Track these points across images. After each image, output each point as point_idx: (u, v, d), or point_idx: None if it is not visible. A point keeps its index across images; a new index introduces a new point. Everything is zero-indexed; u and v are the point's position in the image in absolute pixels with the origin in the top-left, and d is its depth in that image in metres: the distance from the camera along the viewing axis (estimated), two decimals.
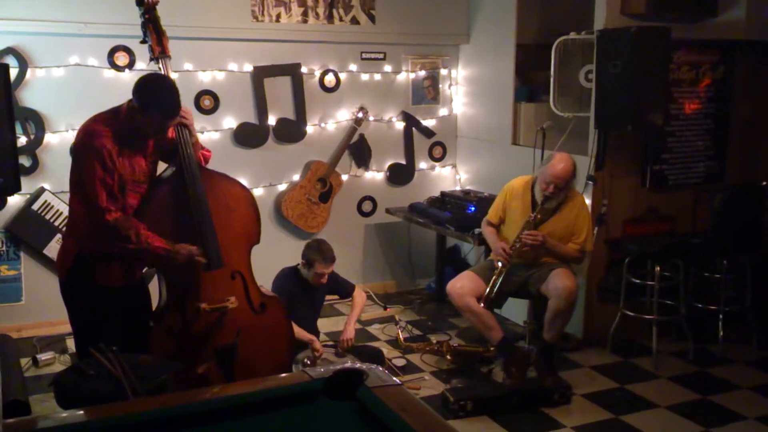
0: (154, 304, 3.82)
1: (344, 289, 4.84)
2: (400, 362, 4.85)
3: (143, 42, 3.75)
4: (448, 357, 4.85)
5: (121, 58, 5.34)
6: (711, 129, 5.43)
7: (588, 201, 4.88)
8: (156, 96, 3.39)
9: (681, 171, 5.37)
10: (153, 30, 3.69)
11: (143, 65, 5.34)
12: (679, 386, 4.60)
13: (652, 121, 4.85)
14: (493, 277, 4.51)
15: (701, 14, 5.13)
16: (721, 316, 5.05)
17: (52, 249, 5.21)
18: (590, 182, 5.04)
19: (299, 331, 4.39)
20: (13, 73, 4.91)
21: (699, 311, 5.17)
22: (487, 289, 4.51)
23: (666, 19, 4.91)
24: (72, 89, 5.24)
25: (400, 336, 5.17)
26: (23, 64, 5.08)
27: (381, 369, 2.58)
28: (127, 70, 5.35)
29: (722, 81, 5.39)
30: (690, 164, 5.40)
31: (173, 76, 3.69)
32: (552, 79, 5.28)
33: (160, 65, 3.69)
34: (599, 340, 5.14)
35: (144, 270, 3.77)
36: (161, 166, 3.77)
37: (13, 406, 3.77)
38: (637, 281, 5.01)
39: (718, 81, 5.38)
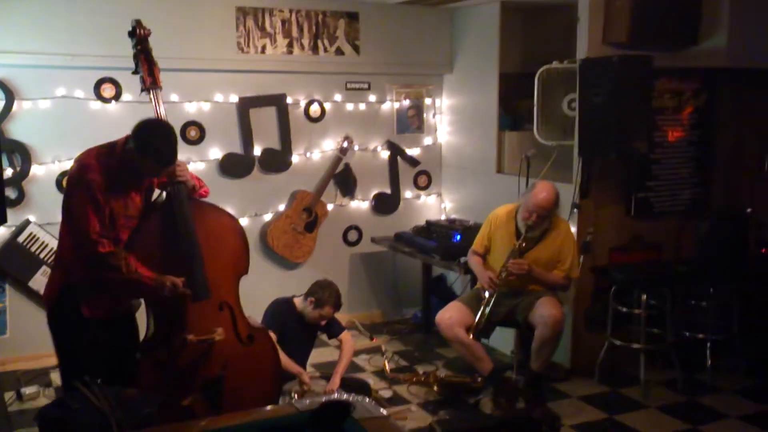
0: (142, 335, 3.79)
1: (335, 330, 4.75)
2: (387, 393, 4.83)
3: (135, 72, 3.75)
4: (435, 388, 4.83)
5: (108, 90, 5.35)
6: (695, 156, 5.48)
7: (573, 229, 4.90)
8: (153, 144, 3.36)
9: (666, 198, 5.41)
10: (145, 60, 3.70)
11: (130, 97, 5.35)
12: (668, 416, 4.59)
13: (636, 148, 4.89)
14: (481, 307, 4.50)
15: (683, 42, 5.18)
16: (708, 344, 5.06)
17: (38, 281, 5.17)
18: (575, 210, 5.07)
19: (288, 363, 4.37)
20: (0, 105, 4.90)
21: (686, 339, 5.17)
22: (476, 320, 4.50)
23: (648, 47, 4.95)
24: (59, 121, 5.24)
25: (387, 367, 5.15)
26: (10, 96, 5.07)
27: (368, 400, 2.57)
28: (113, 102, 5.36)
29: (705, 108, 5.45)
30: (675, 192, 5.44)
31: (163, 107, 3.69)
32: (535, 108, 5.32)
33: (151, 96, 3.70)
34: (587, 369, 5.13)
35: (131, 301, 3.74)
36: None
37: None
38: (624, 310, 5.01)
39: (701, 108, 5.44)
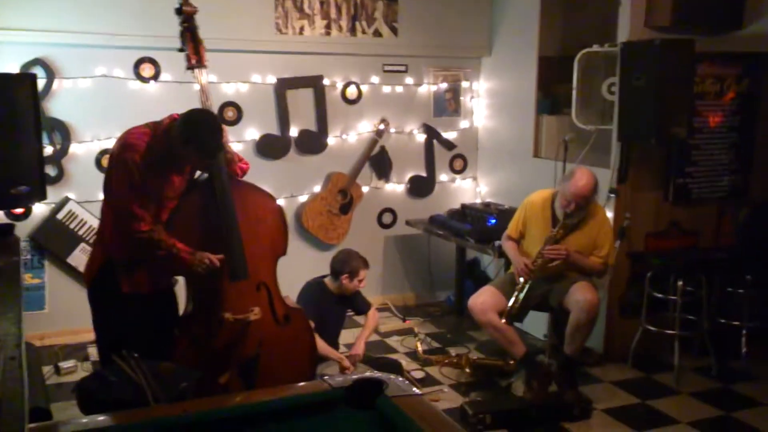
0: (181, 311, 3.85)
1: (362, 306, 4.85)
2: (419, 374, 4.85)
3: (181, 50, 3.76)
4: (467, 370, 4.84)
5: (147, 70, 5.40)
6: (735, 143, 5.38)
7: (610, 214, 4.85)
8: (198, 135, 3.38)
9: (705, 185, 5.32)
10: (191, 39, 3.72)
11: (169, 76, 5.40)
12: (701, 402, 4.55)
13: (676, 134, 4.82)
14: (515, 293, 4.47)
15: (726, 27, 5.09)
16: (744, 332, 4.99)
17: (76, 258, 5.27)
18: (612, 195, 5.02)
19: (326, 349, 4.41)
20: (41, 83, 4.98)
21: (722, 327, 5.10)
22: (509, 305, 4.48)
23: (690, 31, 4.88)
24: (98, 100, 5.30)
25: (419, 348, 5.16)
26: (50, 75, 5.15)
27: (401, 379, 2.58)
28: (152, 82, 5.41)
29: (747, 94, 5.34)
30: (714, 178, 5.35)
31: (207, 85, 3.72)
32: (574, 92, 5.26)
33: (196, 74, 3.73)
34: (620, 355, 5.10)
35: (171, 278, 3.79)
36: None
37: (34, 413, 3.78)
38: (660, 296, 4.96)
39: (743, 94, 5.33)
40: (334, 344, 4.68)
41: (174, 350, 3.60)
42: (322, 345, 4.31)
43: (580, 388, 4.51)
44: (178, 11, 3.72)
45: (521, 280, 4.48)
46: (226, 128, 5.60)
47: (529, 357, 4.55)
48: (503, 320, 4.47)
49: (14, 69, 5.01)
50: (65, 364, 4.86)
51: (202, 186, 3.70)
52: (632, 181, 5.06)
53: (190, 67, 3.74)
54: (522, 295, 4.45)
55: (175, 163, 3.54)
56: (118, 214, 3.47)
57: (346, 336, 4.99)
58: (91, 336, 4.95)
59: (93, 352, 5.04)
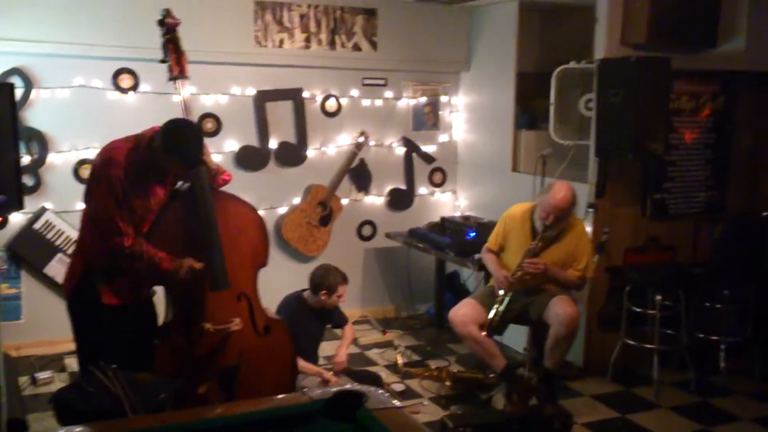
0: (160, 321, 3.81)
1: (339, 320, 4.84)
2: (399, 387, 4.84)
3: (163, 61, 3.77)
4: (448, 383, 4.83)
5: (126, 80, 5.38)
6: (711, 159, 5.45)
7: (588, 228, 4.89)
8: (180, 144, 3.39)
9: (682, 200, 5.38)
10: (173, 50, 3.73)
11: (147, 87, 5.38)
12: (680, 417, 4.58)
13: (653, 150, 4.87)
14: (495, 305, 4.48)
15: (701, 44, 5.16)
16: (722, 347, 5.03)
17: (53, 268, 5.22)
18: (591, 210, 5.05)
19: (306, 366, 4.40)
20: (19, 93, 4.94)
21: (700, 341, 5.14)
22: (490, 317, 4.48)
23: (666, 49, 4.94)
24: (76, 110, 5.26)
25: (399, 361, 5.15)
26: (28, 85, 5.11)
27: (381, 391, 2.57)
28: (131, 92, 5.39)
29: (722, 111, 5.42)
30: (690, 194, 5.41)
31: (189, 96, 3.72)
32: (552, 107, 5.32)
33: (177, 85, 3.73)
34: (600, 368, 5.12)
35: (151, 288, 3.76)
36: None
37: (11, 424, 3.74)
38: (638, 310, 4.99)
39: (719, 111, 5.41)
40: (314, 357, 4.65)
41: (153, 360, 3.56)
42: (301, 364, 4.29)
43: (560, 402, 4.52)
44: (161, 23, 3.73)
45: (501, 292, 4.49)
46: (206, 141, 5.61)
47: (509, 370, 4.55)
48: (484, 333, 4.48)
49: None
50: (42, 375, 4.80)
51: (183, 195, 3.68)
52: (610, 196, 5.10)
53: (173, 78, 3.75)
54: (502, 308, 4.46)
55: (157, 173, 3.53)
56: (101, 229, 3.44)
57: (325, 348, 4.97)
58: (68, 347, 4.90)
59: (70, 363, 4.98)
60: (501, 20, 6.07)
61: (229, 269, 3.66)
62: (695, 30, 5.06)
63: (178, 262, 3.49)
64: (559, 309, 4.36)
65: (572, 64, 5.23)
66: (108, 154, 3.45)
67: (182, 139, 3.40)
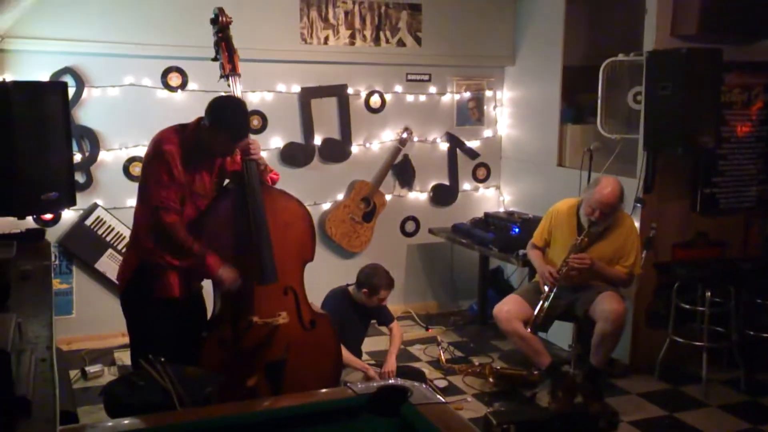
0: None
1: (385, 317, 4.81)
2: (442, 383, 4.82)
3: (215, 59, 3.84)
4: (491, 379, 4.80)
5: (174, 79, 5.46)
6: (763, 152, 5.32)
7: (636, 223, 4.82)
8: (226, 118, 3.48)
9: (732, 195, 5.27)
10: (225, 48, 3.79)
11: (195, 86, 5.46)
12: (729, 415, 4.49)
13: (703, 143, 4.78)
14: (540, 302, 4.44)
15: (754, 36, 5.04)
16: None
17: (103, 264, 5.33)
18: (638, 205, 4.98)
19: (351, 359, 4.41)
20: (71, 92, 5.03)
21: (751, 338, 5.03)
22: (534, 314, 4.45)
23: (717, 40, 4.84)
24: (126, 108, 5.37)
25: (442, 357, 5.14)
26: (80, 84, 5.22)
27: (425, 387, 2.57)
28: (179, 91, 5.47)
29: None
30: (741, 188, 5.29)
31: (241, 94, 3.77)
32: (599, 101, 5.25)
33: (230, 83, 3.79)
34: (647, 366, 5.05)
35: (201, 282, 3.83)
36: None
37: (61, 417, 3.82)
38: (687, 307, 4.90)
39: None
40: (357, 352, 4.67)
41: (201, 352, 3.63)
42: (345, 354, 4.31)
43: (606, 400, 4.47)
44: (214, 21, 3.79)
45: (546, 288, 4.46)
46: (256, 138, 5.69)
47: (554, 367, 4.52)
48: (528, 329, 4.45)
49: (45, 77, 5.09)
50: (92, 369, 4.90)
51: (232, 192, 3.75)
52: (658, 190, 5.02)
53: (225, 76, 3.79)
54: (547, 304, 4.42)
55: (206, 156, 3.60)
56: (149, 203, 3.51)
57: (369, 344, 4.98)
58: (118, 341, 5.01)
59: (120, 356, 5.09)
60: (547, 12, 6.02)
61: (277, 263, 3.70)
62: (747, 21, 4.92)
63: (221, 273, 3.58)
64: (606, 305, 4.31)
65: (620, 57, 5.15)
66: (159, 135, 3.58)
67: (230, 112, 3.49)
